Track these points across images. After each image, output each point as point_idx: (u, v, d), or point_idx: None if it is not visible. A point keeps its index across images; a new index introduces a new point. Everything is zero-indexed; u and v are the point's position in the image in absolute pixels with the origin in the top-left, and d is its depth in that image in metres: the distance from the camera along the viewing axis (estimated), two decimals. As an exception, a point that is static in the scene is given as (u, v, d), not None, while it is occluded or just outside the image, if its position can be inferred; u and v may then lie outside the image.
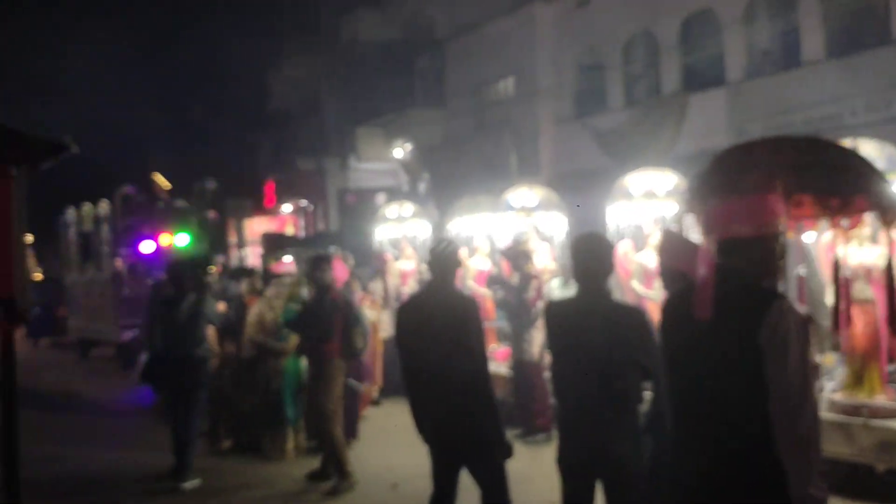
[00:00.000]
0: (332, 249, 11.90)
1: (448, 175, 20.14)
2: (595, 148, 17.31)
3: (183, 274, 7.75)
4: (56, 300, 21.63)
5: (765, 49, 15.55)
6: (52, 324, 22.03)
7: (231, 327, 8.46)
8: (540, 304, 8.21)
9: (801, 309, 6.25)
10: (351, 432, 8.28)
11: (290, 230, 24.58)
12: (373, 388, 10.17)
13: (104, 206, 17.58)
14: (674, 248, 4.29)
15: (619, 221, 8.98)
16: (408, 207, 12.65)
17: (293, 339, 7.87)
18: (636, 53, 18.07)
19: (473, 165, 19.44)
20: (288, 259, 14.62)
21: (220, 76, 28.23)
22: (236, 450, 8.49)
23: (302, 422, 8.13)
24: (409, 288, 11.16)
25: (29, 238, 4.89)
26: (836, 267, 6.07)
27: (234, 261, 20.84)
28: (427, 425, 4.62)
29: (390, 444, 8.30)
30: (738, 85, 15.41)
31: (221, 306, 8.60)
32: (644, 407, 3.92)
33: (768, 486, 2.66)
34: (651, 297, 8.30)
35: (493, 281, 9.93)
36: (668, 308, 3.10)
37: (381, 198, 21.22)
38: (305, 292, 8.04)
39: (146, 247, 16.09)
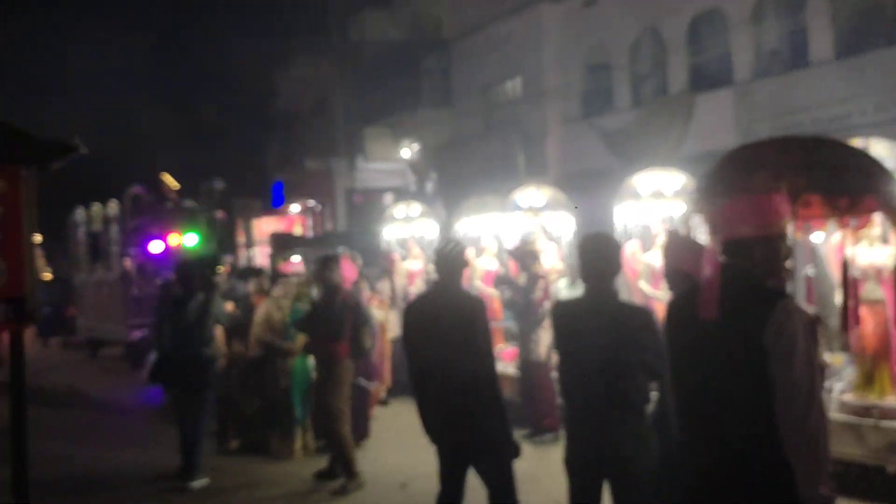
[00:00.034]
0: (341, 249, 11.92)
1: (455, 175, 20.13)
2: (602, 148, 17.28)
3: (191, 274, 7.78)
4: (65, 300, 21.69)
5: (773, 49, 15.48)
6: (62, 323, 22.08)
7: (239, 327, 8.48)
8: (547, 305, 8.21)
9: (810, 309, 6.24)
10: (363, 432, 8.30)
11: (298, 230, 24.59)
12: (381, 388, 10.19)
13: (113, 206, 17.68)
14: (678, 249, 4.27)
15: (627, 221, 8.96)
16: (415, 207, 12.66)
17: (301, 339, 7.89)
18: (643, 53, 18.01)
19: (481, 165, 19.41)
20: (296, 259, 14.65)
21: (228, 77, 28.27)
22: (244, 449, 8.52)
23: (310, 421, 8.14)
24: (417, 288, 11.16)
25: (38, 238, 4.91)
26: (845, 267, 6.05)
27: (242, 261, 20.92)
28: (434, 425, 4.63)
29: (398, 443, 8.32)
30: (746, 85, 15.34)
31: (230, 306, 8.62)
32: (650, 407, 3.92)
33: (773, 486, 2.66)
34: (659, 297, 8.27)
35: (500, 281, 9.93)
36: (673, 309, 3.10)
37: (388, 198, 21.29)
38: (315, 292, 8.06)
39: (155, 247, 16.12)
